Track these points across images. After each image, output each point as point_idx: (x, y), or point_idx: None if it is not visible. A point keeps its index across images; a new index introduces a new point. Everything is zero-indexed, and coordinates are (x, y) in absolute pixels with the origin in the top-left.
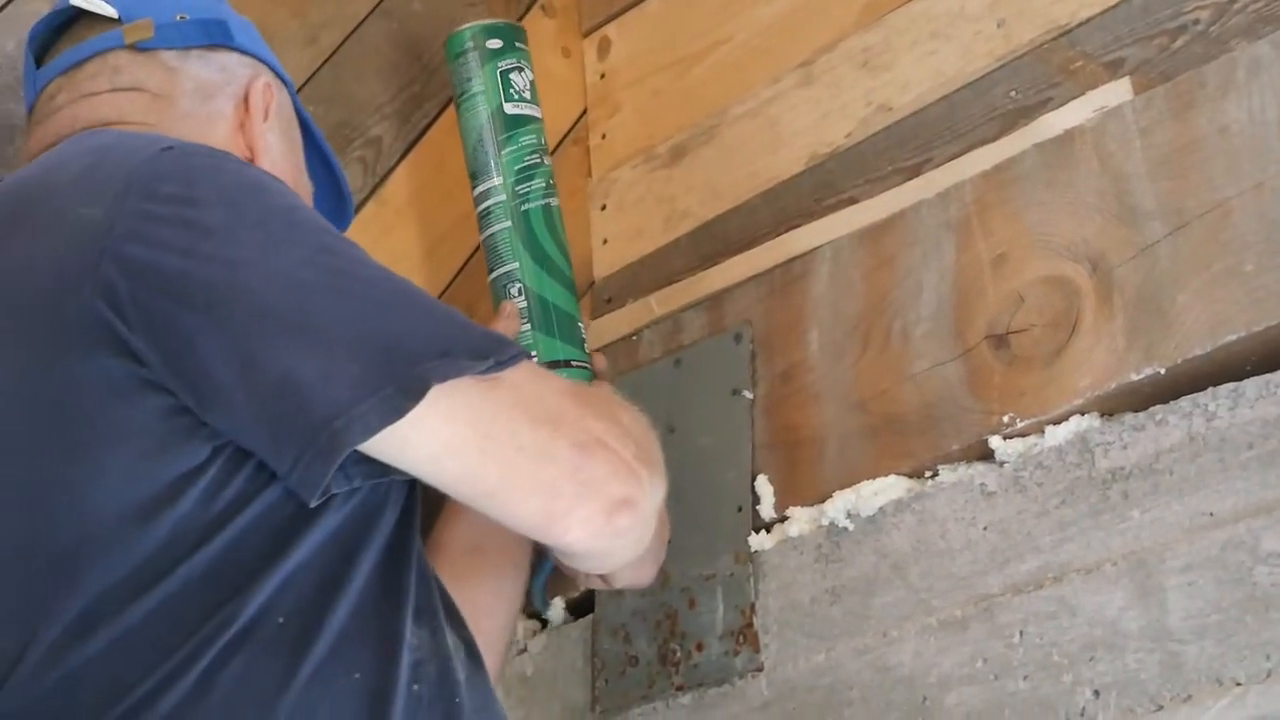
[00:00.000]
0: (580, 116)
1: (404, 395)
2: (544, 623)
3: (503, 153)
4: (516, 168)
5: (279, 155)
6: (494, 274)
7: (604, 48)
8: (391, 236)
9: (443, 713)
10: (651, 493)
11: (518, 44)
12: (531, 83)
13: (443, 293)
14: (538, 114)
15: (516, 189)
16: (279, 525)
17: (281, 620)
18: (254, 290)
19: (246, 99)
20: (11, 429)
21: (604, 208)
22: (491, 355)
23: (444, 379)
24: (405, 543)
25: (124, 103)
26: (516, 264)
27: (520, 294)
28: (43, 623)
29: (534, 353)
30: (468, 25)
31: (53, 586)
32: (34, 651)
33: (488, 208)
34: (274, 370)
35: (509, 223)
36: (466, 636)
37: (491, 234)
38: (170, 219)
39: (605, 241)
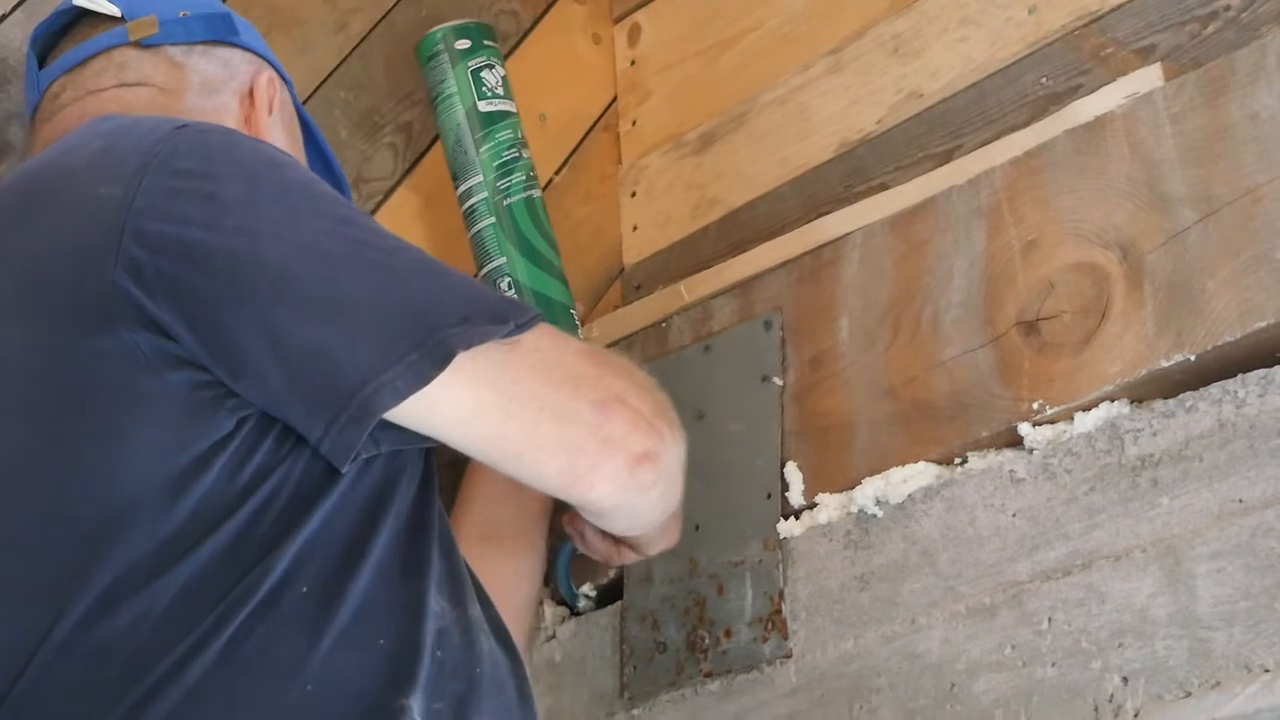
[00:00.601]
0: (610, 103)
1: (429, 362)
2: (573, 610)
3: (481, 150)
4: (495, 164)
5: (283, 149)
6: (483, 271)
7: (634, 34)
8: (422, 222)
9: (466, 681)
10: (672, 447)
11: (486, 42)
12: (503, 78)
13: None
14: (512, 108)
15: (497, 184)
16: (300, 495)
17: (305, 589)
18: (277, 261)
19: (251, 93)
20: (38, 406)
21: (634, 194)
22: (510, 319)
23: (468, 345)
24: (425, 513)
25: (130, 98)
26: (504, 259)
27: (510, 288)
28: (71, 597)
29: None
30: (437, 27)
31: (80, 561)
32: (62, 625)
33: (472, 205)
34: (301, 340)
35: (493, 219)
36: (493, 614)
37: (478, 231)
38: (189, 193)
39: (635, 228)
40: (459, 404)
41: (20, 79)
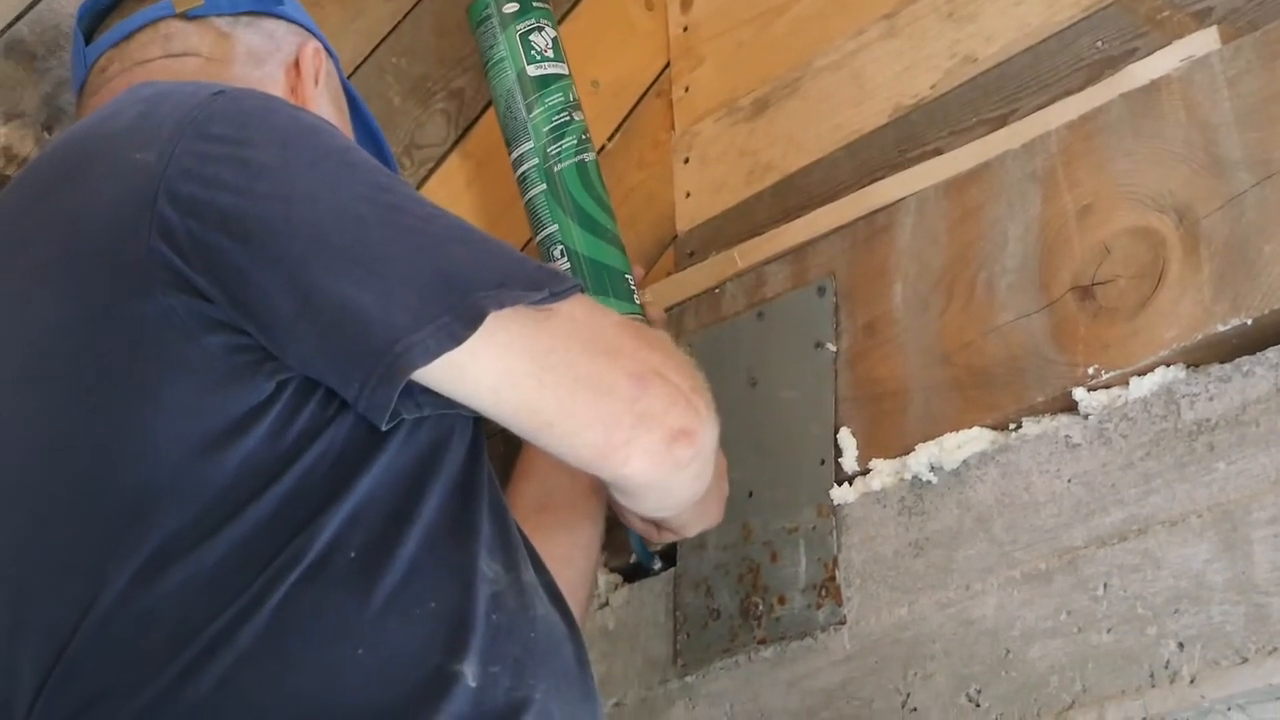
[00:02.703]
0: (663, 69)
1: (461, 323)
2: (628, 575)
3: (531, 115)
4: (546, 129)
5: (330, 121)
6: (537, 238)
7: (687, 0)
8: (475, 189)
9: (522, 644)
10: (710, 426)
11: (536, 4)
12: (554, 40)
13: (525, 245)
14: (564, 70)
15: (549, 150)
16: (346, 460)
17: (353, 554)
18: (310, 224)
19: (297, 64)
20: (77, 373)
21: (687, 161)
22: (546, 286)
23: (500, 307)
24: (474, 478)
25: (177, 68)
26: (556, 226)
27: (563, 255)
28: (115, 563)
29: None
30: None
31: (123, 527)
32: (108, 592)
33: (524, 172)
34: (333, 300)
35: (544, 185)
36: (548, 579)
37: (530, 198)
38: (223, 158)
39: (688, 195)
40: (491, 371)
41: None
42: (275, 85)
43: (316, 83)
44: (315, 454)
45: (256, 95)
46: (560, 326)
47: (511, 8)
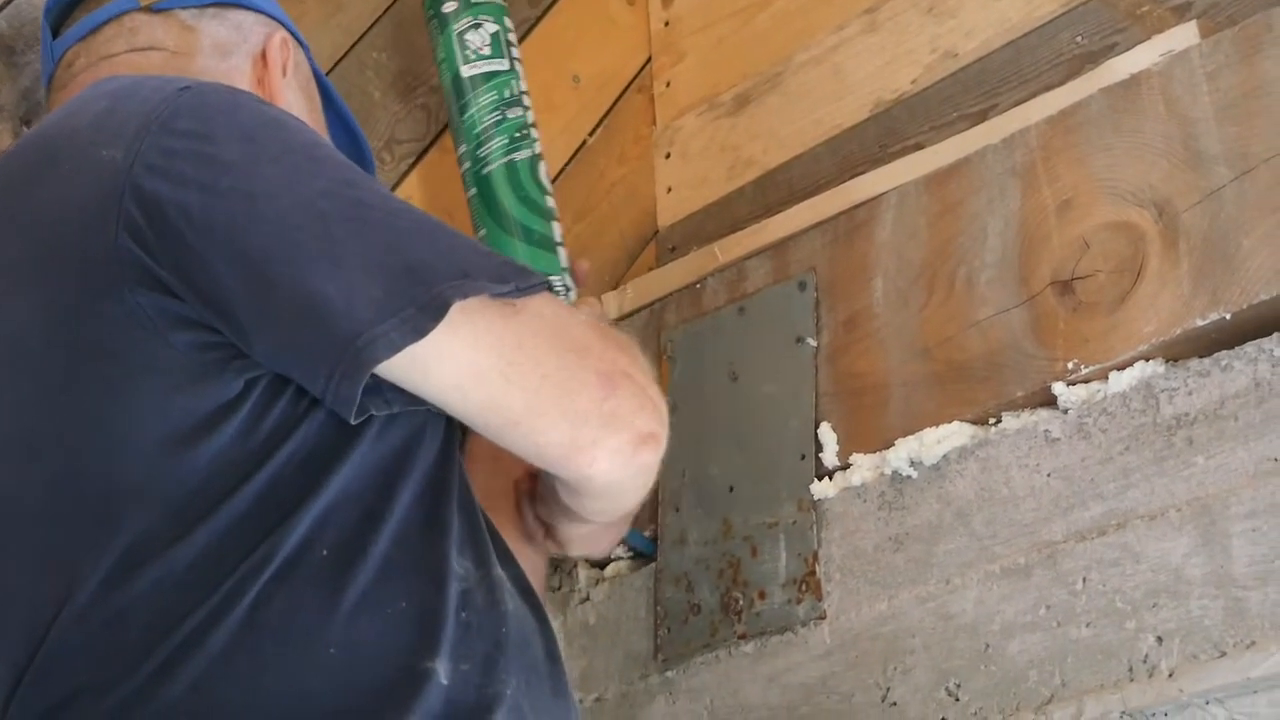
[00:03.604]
0: (645, 64)
1: (425, 315)
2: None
3: (464, 117)
4: (475, 131)
5: (299, 112)
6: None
7: None
8: (455, 184)
9: (492, 641)
10: (666, 434)
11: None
12: (493, 35)
13: None
14: (503, 66)
15: (478, 153)
16: (317, 457)
17: (325, 553)
18: (273, 219)
19: (264, 56)
20: (48, 372)
21: (668, 156)
22: (513, 280)
23: (464, 297)
24: (445, 476)
25: (142, 62)
26: (485, 230)
27: None
28: (87, 563)
29: None
30: None
31: (94, 526)
32: (81, 591)
33: (462, 175)
34: (297, 295)
35: (475, 189)
36: (516, 572)
37: (468, 201)
38: (187, 155)
39: (669, 190)
40: (456, 367)
41: None
42: (242, 77)
43: (285, 74)
44: (287, 452)
45: (221, 90)
46: (528, 323)
47: (450, 6)
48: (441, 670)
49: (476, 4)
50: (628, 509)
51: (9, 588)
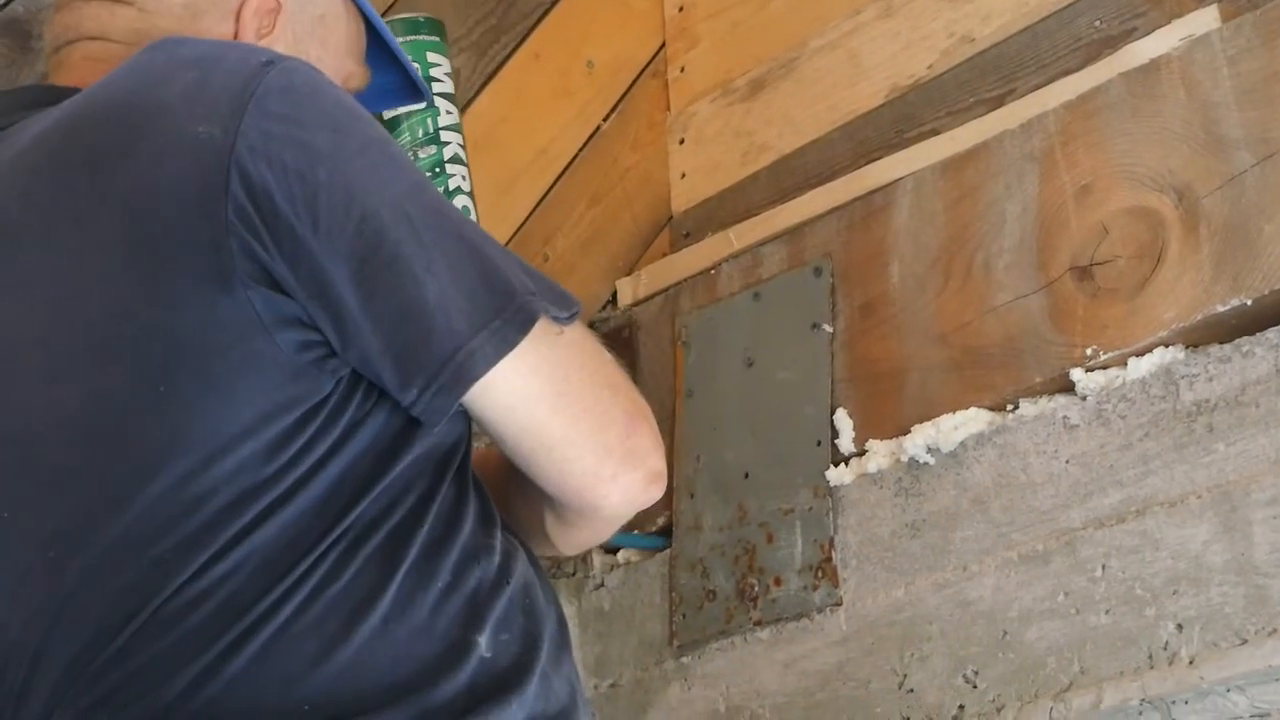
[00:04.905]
0: (659, 50)
1: (511, 328)
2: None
3: None
4: None
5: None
6: None
7: None
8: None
9: (524, 612)
10: None
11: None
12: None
13: (520, 227)
14: (416, 105)
15: None
16: (385, 446)
17: (384, 535)
18: (370, 218)
19: (238, 15)
20: (146, 359)
21: (682, 142)
22: (569, 307)
23: (545, 311)
24: (469, 455)
25: (106, 17)
26: None
27: None
28: (172, 553)
29: None
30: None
31: (182, 515)
32: (168, 579)
33: None
34: (395, 300)
35: None
36: (517, 540)
37: None
38: (285, 140)
39: (683, 175)
40: (514, 388)
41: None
42: (219, 36)
43: (260, 38)
44: (361, 443)
45: (302, 69)
46: (572, 353)
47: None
48: (483, 642)
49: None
50: (598, 543)
51: (83, 571)
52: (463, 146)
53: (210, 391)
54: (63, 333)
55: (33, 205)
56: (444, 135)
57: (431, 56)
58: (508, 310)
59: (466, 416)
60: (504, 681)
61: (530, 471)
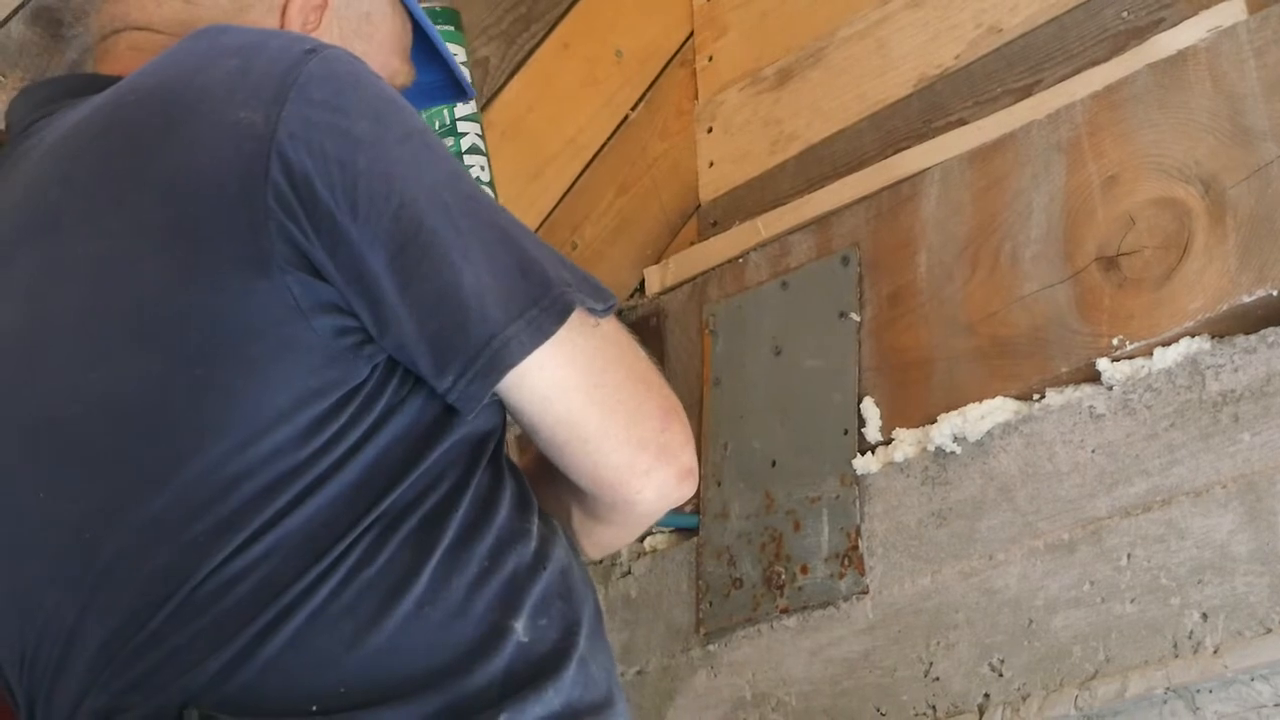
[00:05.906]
0: (687, 38)
1: (547, 317)
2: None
3: None
4: None
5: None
6: None
7: None
8: (498, 159)
9: (563, 598)
10: None
11: None
12: None
13: (548, 215)
14: None
15: None
16: (421, 432)
17: (419, 519)
18: (408, 206)
19: (285, 11)
20: (183, 343)
21: (710, 130)
22: (605, 300)
23: (581, 303)
24: (503, 442)
25: (152, 7)
26: None
27: None
28: (207, 534)
29: None
30: None
31: (216, 500)
32: (204, 562)
33: None
34: (431, 286)
35: None
36: (556, 524)
37: None
38: (326, 128)
39: (711, 164)
40: (550, 378)
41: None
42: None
43: (305, 32)
44: (397, 429)
45: (344, 58)
46: (609, 347)
47: None
48: (520, 627)
49: None
50: (629, 542)
51: (119, 551)
52: (481, 136)
53: (247, 375)
54: (101, 316)
55: (73, 189)
56: (461, 126)
57: (448, 46)
58: (545, 299)
59: (501, 406)
60: (541, 667)
61: (563, 464)
